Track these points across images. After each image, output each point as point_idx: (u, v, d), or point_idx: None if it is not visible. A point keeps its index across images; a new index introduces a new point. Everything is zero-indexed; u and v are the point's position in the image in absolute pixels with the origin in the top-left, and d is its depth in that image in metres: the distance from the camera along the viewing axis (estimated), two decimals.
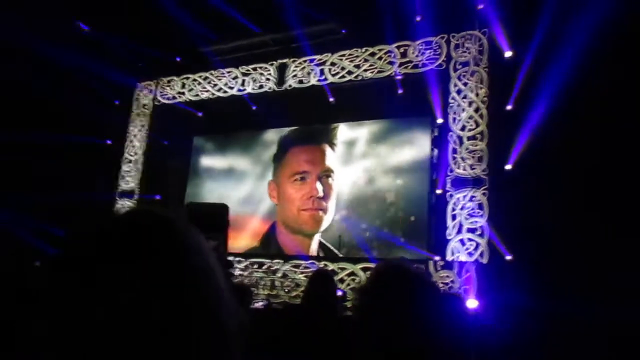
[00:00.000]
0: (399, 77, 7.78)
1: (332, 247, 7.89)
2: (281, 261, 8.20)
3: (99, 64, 8.61)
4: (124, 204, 9.57)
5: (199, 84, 9.70)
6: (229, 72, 9.37)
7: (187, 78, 9.84)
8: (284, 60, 8.89)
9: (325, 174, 8.20)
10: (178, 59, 9.62)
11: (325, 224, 8.04)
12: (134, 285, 0.49)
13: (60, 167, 8.48)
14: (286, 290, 7.95)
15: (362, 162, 8.16)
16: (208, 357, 0.52)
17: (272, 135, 9.12)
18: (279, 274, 8.15)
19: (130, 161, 9.86)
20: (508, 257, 6.27)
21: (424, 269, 6.54)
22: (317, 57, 8.50)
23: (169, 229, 0.56)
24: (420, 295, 1.23)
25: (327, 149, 8.39)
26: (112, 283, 0.49)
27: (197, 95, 9.69)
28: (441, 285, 6.49)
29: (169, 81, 10.04)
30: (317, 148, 8.45)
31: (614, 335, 4.95)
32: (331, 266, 7.61)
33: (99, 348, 0.46)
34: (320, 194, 8.06)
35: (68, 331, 0.46)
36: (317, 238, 8.07)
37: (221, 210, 1.32)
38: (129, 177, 9.74)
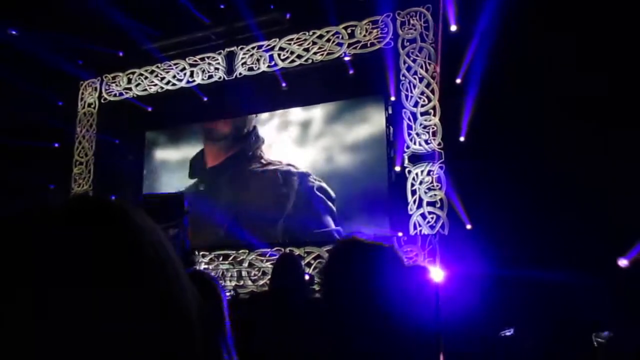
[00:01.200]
0: (348, 58, 7.78)
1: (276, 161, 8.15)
2: (246, 251, 8.16)
3: (36, 66, 8.23)
4: None
5: (146, 78, 9.43)
6: (176, 64, 9.14)
7: (133, 73, 9.54)
8: (232, 49, 8.74)
9: None
10: (121, 54, 9.31)
11: (242, 129, 8.68)
12: (75, 272, 0.45)
13: (8, 174, 8.12)
14: (253, 279, 7.93)
15: (320, 142, 8.18)
16: (168, 344, 0.49)
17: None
18: (245, 264, 8.11)
19: (81, 163, 9.54)
20: (468, 227, 6.43)
21: (382, 238, 6.63)
22: (265, 42, 8.40)
23: (113, 212, 0.51)
24: (379, 268, 1.24)
25: None
26: (46, 271, 0.44)
27: (145, 89, 9.43)
28: (406, 259, 6.60)
29: (113, 77, 9.72)
30: None
31: (569, 297, 5.17)
32: (297, 251, 7.62)
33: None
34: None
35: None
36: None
37: (177, 199, 1.28)
38: (81, 180, 9.43)
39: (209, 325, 1.44)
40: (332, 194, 7.78)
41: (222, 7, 8.24)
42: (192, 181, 9.00)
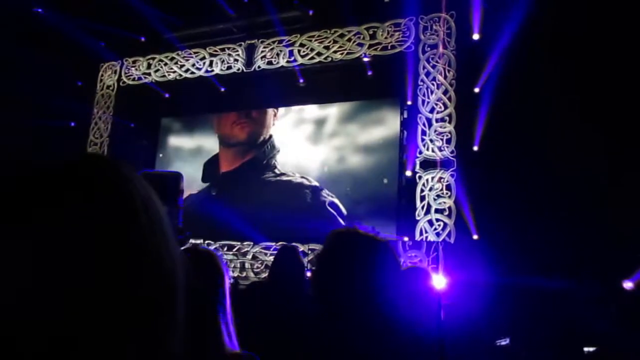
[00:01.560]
0: (367, 59, 7.77)
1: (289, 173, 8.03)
2: (251, 243, 8.19)
3: (58, 45, 8.31)
4: None
5: (165, 64, 9.49)
6: (195, 52, 9.19)
7: (153, 58, 9.60)
8: (252, 41, 8.76)
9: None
10: (143, 39, 9.37)
11: (258, 136, 8.63)
12: (71, 230, 0.46)
13: (23, 151, 8.19)
14: (255, 271, 7.96)
15: (333, 141, 8.19)
16: (147, 304, 0.50)
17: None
18: (249, 256, 8.14)
19: (95, 144, 9.63)
20: (475, 237, 6.40)
21: (379, 233, 6.62)
22: (286, 37, 8.41)
23: (116, 172, 0.53)
24: (380, 265, 1.21)
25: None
26: (44, 227, 0.46)
27: (164, 76, 9.48)
28: (409, 262, 6.59)
29: (134, 62, 9.79)
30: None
31: (572, 308, 5.14)
32: (301, 247, 7.63)
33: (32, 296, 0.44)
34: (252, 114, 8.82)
35: None
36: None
37: (175, 178, 1.28)
38: None
39: (204, 295, 1.46)
40: (344, 210, 7.74)
41: (245, 0, 8.26)
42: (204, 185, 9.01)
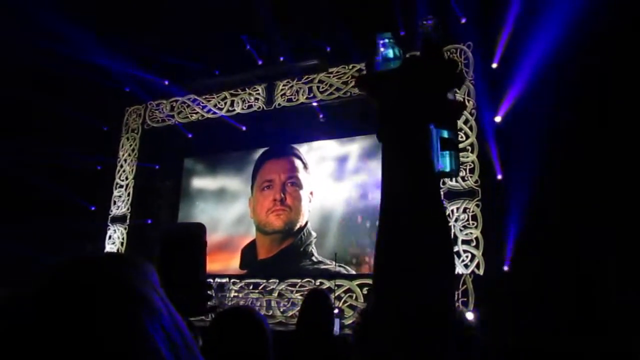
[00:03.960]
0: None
1: (327, 261, 7.85)
2: (277, 281, 8.13)
3: (86, 92, 8.59)
4: (116, 229, 9.48)
5: (188, 106, 9.69)
6: (217, 93, 9.38)
7: (176, 101, 9.83)
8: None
9: (290, 181, 8.66)
10: (166, 82, 9.59)
11: (294, 224, 8.40)
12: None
13: (54, 193, 8.40)
14: (282, 310, 7.86)
15: (354, 178, 8.19)
16: None
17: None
18: (275, 294, 8.07)
19: (121, 186, 9.80)
20: (505, 268, 6.23)
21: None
22: (305, 75, 8.54)
23: (116, 286, 0.51)
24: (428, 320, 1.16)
25: (295, 160, 8.76)
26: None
27: (187, 117, 9.68)
28: None
29: (157, 105, 10.03)
30: (283, 160, 8.91)
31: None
32: (327, 284, 7.54)
33: None
34: (282, 196, 8.57)
35: None
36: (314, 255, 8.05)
37: (199, 229, 1.27)
38: (120, 202, 9.66)
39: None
40: None
41: (263, 49, 8.53)
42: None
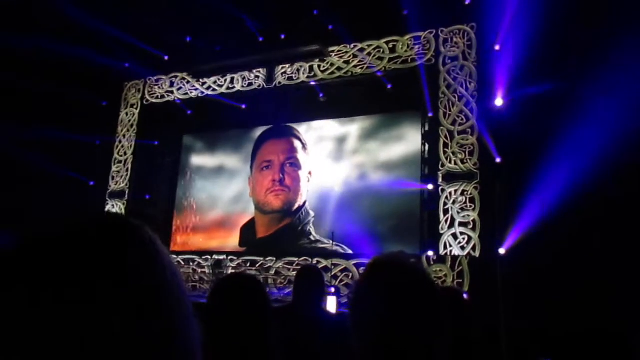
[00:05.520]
0: (380, 74, 7.73)
1: (325, 240, 7.91)
2: (274, 259, 8.19)
3: (85, 67, 8.49)
4: (114, 205, 9.50)
5: (188, 82, 9.62)
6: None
7: (176, 77, 9.75)
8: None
9: (289, 162, 8.72)
10: (166, 58, 9.49)
11: (293, 204, 8.47)
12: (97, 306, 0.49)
13: (52, 168, 8.39)
14: (279, 287, 7.93)
15: (353, 159, 8.18)
16: None
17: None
18: (272, 272, 8.13)
19: (120, 161, 9.78)
20: (501, 250, 6.27)
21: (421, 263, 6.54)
22: (305, 60, 8.46)
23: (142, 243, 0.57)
24: (416, 290, 1.18)
25: (294, 141, 8.77)
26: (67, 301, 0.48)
27: (186, 94, 9.61)
28: (434, 279, 6.49)
29: (157, 80, 9.95)
30: (282, 140, 8.93)
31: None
32: (324, 262, 7.60)
33: None
34: (281, 177, 8.68)
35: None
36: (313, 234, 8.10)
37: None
38: (119, 178, 9.66)
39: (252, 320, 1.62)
40: None
41: (260, 39, 8.53)
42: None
